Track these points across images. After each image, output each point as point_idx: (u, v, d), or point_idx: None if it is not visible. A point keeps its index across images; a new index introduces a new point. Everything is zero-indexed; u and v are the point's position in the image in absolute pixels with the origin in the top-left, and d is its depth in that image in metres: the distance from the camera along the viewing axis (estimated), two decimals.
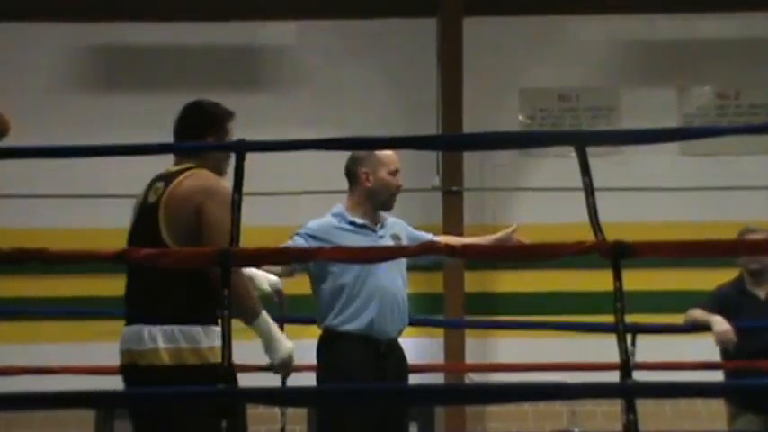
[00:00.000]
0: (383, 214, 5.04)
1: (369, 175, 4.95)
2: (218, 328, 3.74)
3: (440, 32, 9.71)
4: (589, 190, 3.62)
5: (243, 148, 3.83)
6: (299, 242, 4.90)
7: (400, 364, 4.94)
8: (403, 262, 4.97)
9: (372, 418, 4.76)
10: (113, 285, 9.07)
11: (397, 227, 5.06)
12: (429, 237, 5.14)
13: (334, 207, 5.02)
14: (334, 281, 4.87)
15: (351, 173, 5.01)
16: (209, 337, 3.89)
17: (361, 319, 4.86)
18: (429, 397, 4.20)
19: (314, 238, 4.90)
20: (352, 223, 4.94)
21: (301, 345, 4.46)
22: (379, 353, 4.86)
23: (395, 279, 4.91)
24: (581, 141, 3.72)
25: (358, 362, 4.80)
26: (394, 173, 4.97)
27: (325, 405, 4.29)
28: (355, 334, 4.84)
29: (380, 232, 4.97)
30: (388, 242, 4.94)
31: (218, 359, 3.65)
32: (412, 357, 5.10)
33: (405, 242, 4.98)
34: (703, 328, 6.07)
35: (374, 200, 4.97)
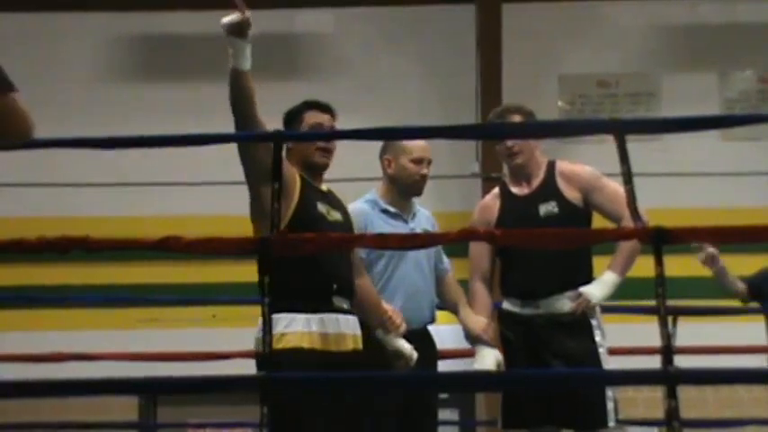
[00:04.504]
0: (416, 205, 4.99)
1: (390, 161, 4.88)
2: (282, 315, 3.92)
3: (478, 19, 9.69)
4: (627, 178, 3.61)
5: (280, 138, 3.86)
6: None
7: (428, 352, 4.90)
8: (431, 254, 4.94)
9: (397, 403, 4.77)
10: (154, 273, 9.26)
11: (425, 222, 4.99)
12: (446, 261, 5.08)
13: (367, 193, 4.94)
14: (367, 270, 4.82)
15: (380, 159, 4.95)
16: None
17: None
18: (450, 384, 4.20)
19: None
20: (384, 211, 4.87)
21: None
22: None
23: (422, 270, 4.88)
24: (621, 130, 3.69)
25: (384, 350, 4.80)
26: (417, 161, 4.86)
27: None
28: None
29: (412, 223, 4.91)
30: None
31: (276, 346, 3.84)
32: (441, 343, 5.08)
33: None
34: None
35: (397, 187, 4.89)
